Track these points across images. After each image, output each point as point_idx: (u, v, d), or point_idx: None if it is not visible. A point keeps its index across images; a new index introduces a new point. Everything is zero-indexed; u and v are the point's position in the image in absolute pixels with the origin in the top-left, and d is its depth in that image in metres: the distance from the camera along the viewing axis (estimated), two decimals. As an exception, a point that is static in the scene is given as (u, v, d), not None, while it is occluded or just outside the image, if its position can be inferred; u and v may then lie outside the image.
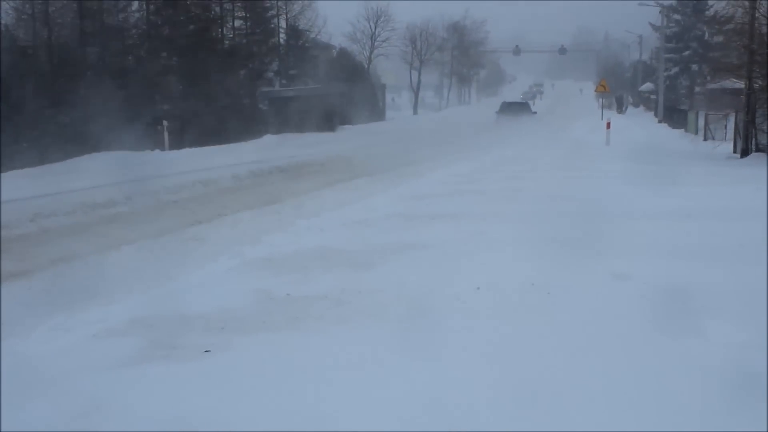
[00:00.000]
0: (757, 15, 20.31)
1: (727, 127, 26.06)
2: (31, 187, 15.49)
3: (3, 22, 32.28)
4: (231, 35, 46.23)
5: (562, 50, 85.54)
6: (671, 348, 4.80)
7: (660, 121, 45.64)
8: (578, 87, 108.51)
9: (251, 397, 4.22)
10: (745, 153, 20.79)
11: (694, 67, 50.68)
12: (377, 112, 58.81)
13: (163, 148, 27.84)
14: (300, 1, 52.32)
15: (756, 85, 20.36)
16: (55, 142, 24.93)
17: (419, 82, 76.26)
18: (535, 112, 49.22)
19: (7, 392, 4.35)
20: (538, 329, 5.30)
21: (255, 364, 4.82)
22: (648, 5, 49.55)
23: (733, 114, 23.41)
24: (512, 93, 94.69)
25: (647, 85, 62.50)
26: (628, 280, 6.50)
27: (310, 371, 4.60)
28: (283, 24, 51.66)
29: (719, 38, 40.60)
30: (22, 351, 5.36)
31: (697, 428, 3.75)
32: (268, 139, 32.35)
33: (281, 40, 51.54)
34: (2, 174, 19.05)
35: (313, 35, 54.39)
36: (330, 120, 40.98)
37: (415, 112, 72.72)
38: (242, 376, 4.58)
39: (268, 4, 49.26)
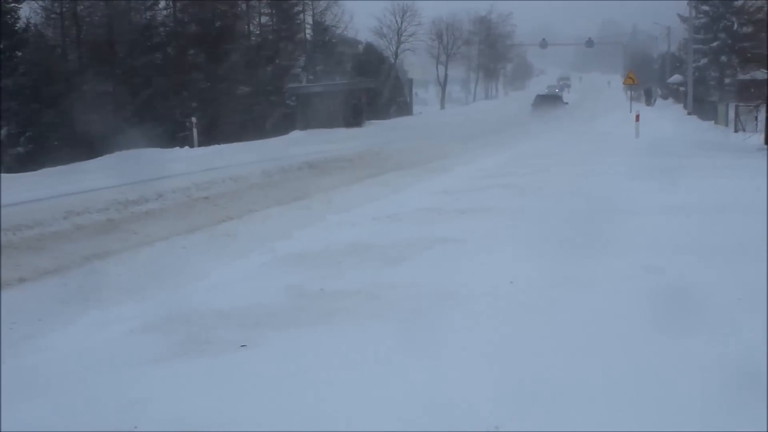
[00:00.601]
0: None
1: (758, 119, 25.75)
2: (63, 184, 15.68)
3: (32, 21, 32.66)
4: (257, 32, 46.48)
5: (590, 43, 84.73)
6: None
7: (689, 113, 45.14)
8: (606, 80, 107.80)
9: (286, 392, 4.23)
10: (775, 144, 20.57)
11: (724, 58, 50.08)
12: (404, 107, 58.83)
13: (192, 145, 28.05)
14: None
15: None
16: (85, 139, 25.16)
17: (446, 76, 76.04)
18: (567, 103, 51.96)
19: (38, 389, 4.41)
20: (574, 324, 5.26)
21: (290, 359, 4.83)
22: (676, -4, 49.16)
23: (764, 105, 23.12)
24: (539, 87, 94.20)
25: (676, 77, 61.89)
26: (660, 274, 6.43)
27: (345, 366, 4.61)
28: (309, 20, 51.86)
29: (748, 29, 40.19)
30: (59, 347, 5.44)
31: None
32: (296, 135, 32.47)
33: (307, 36, 51.65)
34: (35, 172, 19.33)
35: (339, 31, 54.46)
36: (357, 115, 41.04)
37: (442, 106, 72.69)
38: (278, 372, 4.59)
39: (293, 1, 49.43)
